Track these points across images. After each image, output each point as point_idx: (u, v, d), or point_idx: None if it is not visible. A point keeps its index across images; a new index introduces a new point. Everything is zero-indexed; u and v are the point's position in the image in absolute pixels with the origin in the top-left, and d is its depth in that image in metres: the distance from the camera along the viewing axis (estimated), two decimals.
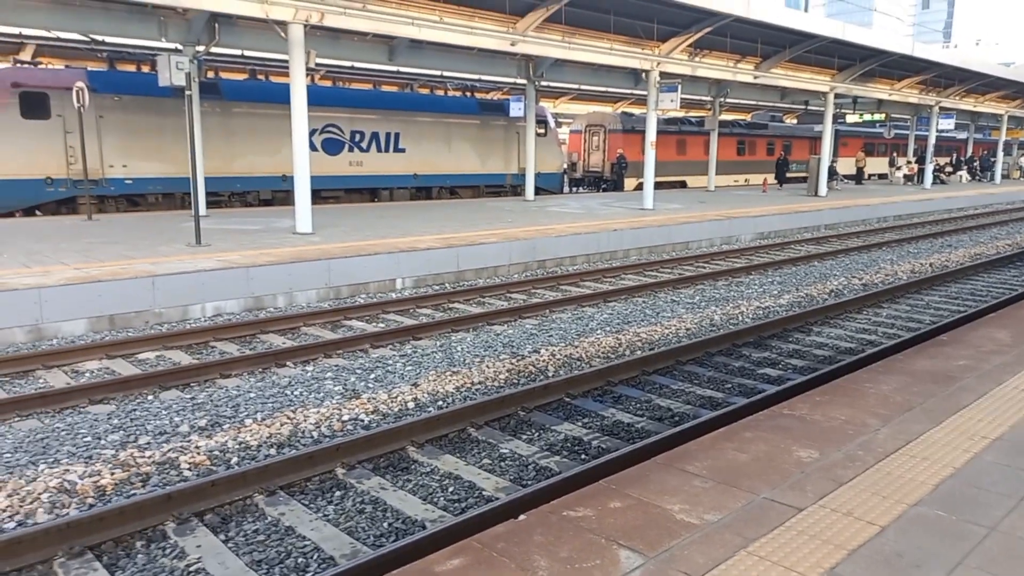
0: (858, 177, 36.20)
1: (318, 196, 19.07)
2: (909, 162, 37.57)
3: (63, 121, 15.70)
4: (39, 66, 17.15)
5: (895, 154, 40.17)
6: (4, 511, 4.52)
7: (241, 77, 20.10)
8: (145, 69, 17.66)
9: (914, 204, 25.89)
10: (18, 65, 16.70)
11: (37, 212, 16.16)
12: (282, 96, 13.47)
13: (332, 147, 20.00)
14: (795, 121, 40.93)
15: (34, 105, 15.57)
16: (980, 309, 9.92)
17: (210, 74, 18.74)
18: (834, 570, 2.82)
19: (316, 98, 18.12)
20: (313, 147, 19.11)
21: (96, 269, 9.44)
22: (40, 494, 4.71)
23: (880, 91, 28.07)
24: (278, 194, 19.23)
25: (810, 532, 3.10)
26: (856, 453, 3.93)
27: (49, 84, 15.76)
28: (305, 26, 12.39)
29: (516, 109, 21.83)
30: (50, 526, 4.11)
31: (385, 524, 4.52)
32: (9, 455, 5.36)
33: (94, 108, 15.43)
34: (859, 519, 3.20)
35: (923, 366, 5.57)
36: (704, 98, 28.22)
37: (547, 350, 8.19)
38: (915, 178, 36.36)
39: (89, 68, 17.46)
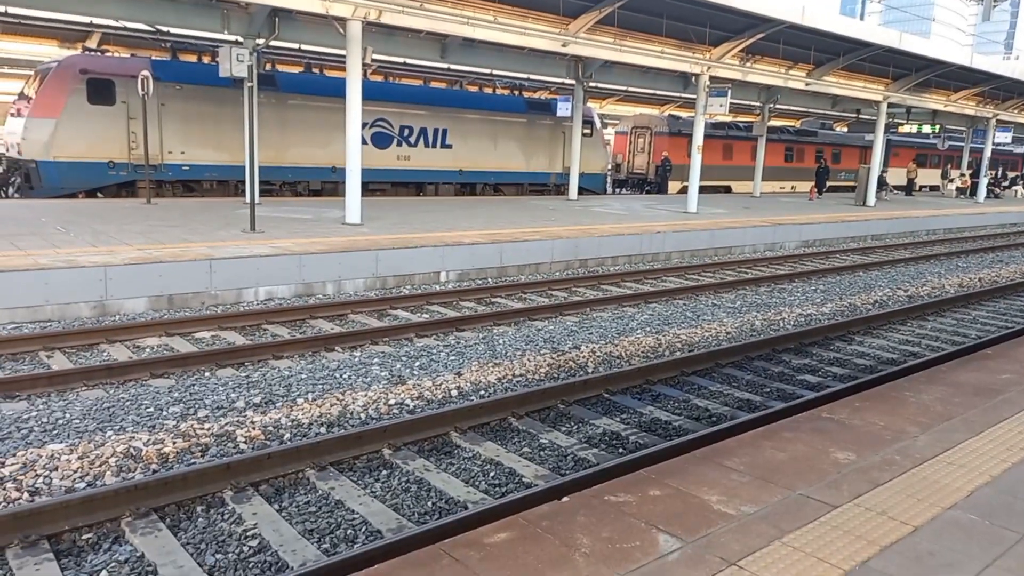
0: (909, 188, 35.49)
1: (366, 188, 19.44)
2: (962, 175, 36.71)
3: (127, 107, 16.29)
4: (105, 54, 17.80)
5: (949, 166, 39.26)
6: (76, 471, 4.83)
7: (296, 70, 20.58)
8: (206, 59, 18.21)
9: (966, 218, 25.34)
10: (86, 53, 17.36)
11: (99, 194, 16.80)
12: (335, 89, 13.84)
13: (381, 141, 20.37)
14: (845, 129, 40.26)
15: (100, 91, 16.19)
16: None
17: (268, 66, 19.25)
18: (866, 563, 2.92)
19: (367, 93, 18.44)
20: (363, 140, 19.49)
21: (157, 251, 9.85)
22: (108, 458, 5.01)
23: (935, 102, 27.51)
24: (327, 185, 19.67)
25: (844, 528, 3.20)
26: (893, 458, 4.00)
27: (115, 71, 16.37)
28: (363, 23, 12.70)
29: (563, 109, 21.95)
30: (119, 487, 4.40)
31: (429, 503, 4.72)
32: (78, 421, 5.70)
33: (156, 96, 15.98)
34: (893, 518, 3.30)
35: (966, 378, 5.58)
36: (753, 103, 27.98)
37: (587, 347, 8.33)
38: (968, 191, 35.52)
39: (153, 57, 18.06)
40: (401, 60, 21.44)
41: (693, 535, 3.10)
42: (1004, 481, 3.75)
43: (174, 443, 5.28)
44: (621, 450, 5.65)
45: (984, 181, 33.11)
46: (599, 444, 5.76)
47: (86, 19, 17.65)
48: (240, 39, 14.84)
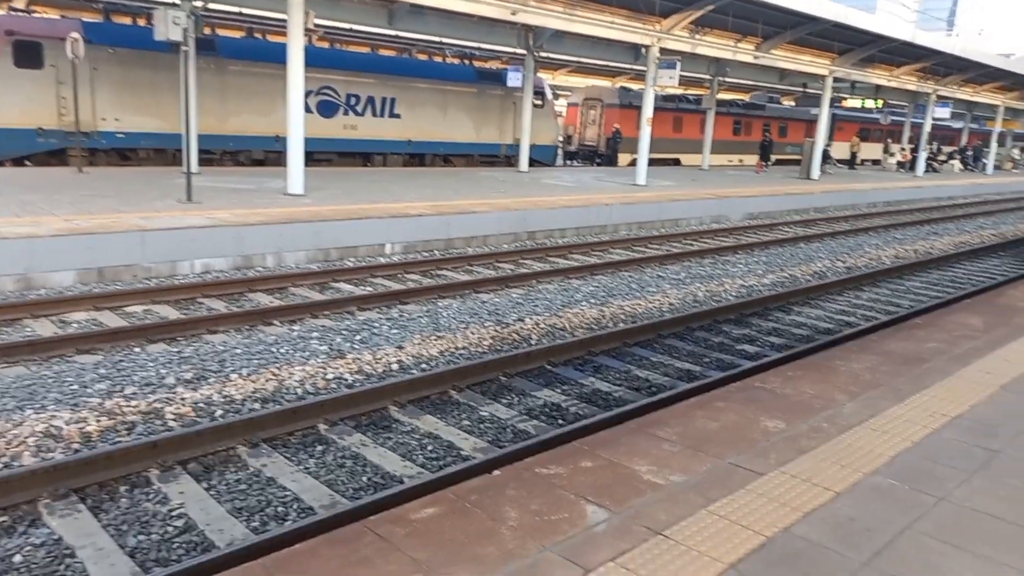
0: (851, 162, 36.28)
1: (311, 158, 18.96)
2: (903, 149, 37.65)
3: (56, 71, 15.51)
4: (33, 15, 16.90)
5: (890, 140, 40.22)
6: None
7: (238, 35, 19.87)
8: (141, 22, 17.43)
9: (905, 191, 26.04)
10: (12, 13, 16.45)
11: (27, 162, 16.04)
12: (279, 56, 13.35)
13: (327, 109, 19.87)
14: (793, 103, 40.85)
15: (27, 54, 15.37)
16: (957, 296, 10.10)
17: (207, 30, 18.51)
18: (789, 530, 2.96)
19: (313, 59, 17.94)
20: (308, 109, 18.95)
21: (86, 221, 9.45)
22: (27, 438, 4.80)
23: (879, 77, 28.04)
24: (270, 154, 19.12)
25: (770, 495, 3.24)
26: (821, 425, 4.07)
27: (43, 33, 15.55)
28: None
29: (514, 79, 21.71)
30: (36, 468, 4.22)
31: (364, 478, 4.65)
32: None
33: (88, 60, 15.24)
34: (817, 485, 3.35)
35: (895, 347, 5.72)
36: (703, 76, 28.11)
37: (531, 319, 8.30)
38: (908, 165, 36.47)
39: (84, 19, 17.21)
40: (348, 26, 20.87)
41: (621, 506, 3.10)
42: (925, 446, 3.85)
43: (98, 421, 5.09)
44: (561, 421, 5.66)
45: (923, 155, 34.01)
46: (539, 416, 5.75)
47: None
48: (177, 1, 14.22)
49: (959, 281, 12.00)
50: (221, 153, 18.43)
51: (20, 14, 16.53)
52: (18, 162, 15.90)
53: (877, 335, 6.11)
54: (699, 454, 3.65)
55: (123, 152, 17.12)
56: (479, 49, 25.10)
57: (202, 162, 16.91)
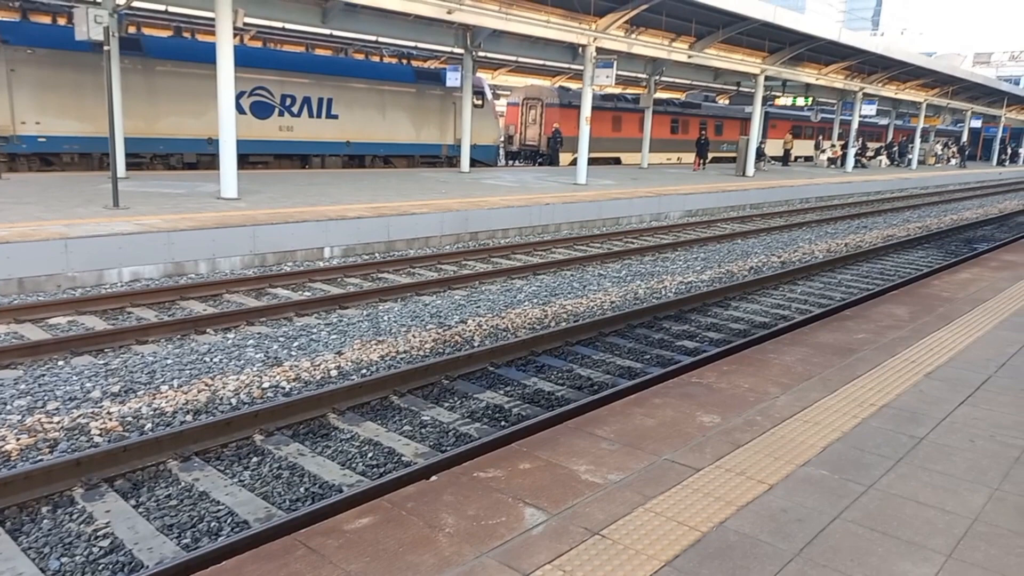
0: (785, 159, 37.31)
1: (246, 161, 18.58)
2: (833, 146, 38.92)
3: None
4: None
5: (821, 137, 41.52)
6: None
7: (166, 34, 19.27)
8: (62, 21, 16.74)
9: (835, 186, 26.89)
10: None
11: None
12: (210, 56, 12.99)
13: (261, 111, 19.44)
14: (727, 102, 41.80)
15: None
16: (885, 288, 10.46)
17: (132, 30, 17.91)
18: (723, 524, 3.00)
19: (245, 59, 17.59)
20: (241, 110, 18.54)
21: (4, 230, 9.01)
22: None
23: (808, 75, 28.89)
24: (203, 157, 18.61)
25: (705, 490, 3.28)
26: (755, 419, 4.15)
27: None
28: None
29: (453, 79, 21.62)
30: None
31: (302, 489, 4.54)
32: None
33: (5, 61, 14.58)
34: (751, 478, 3.41)
35: (826, 339, 5.88)
36: (640, 75, 28.52)
37: (474, 320, 8.27)
38: (838, 161, 37.70)
39: (0, 19, 16.43)
40: (281, 25, 20.46)
41: (559, 507, 3.09)
42: (854, 436, 3.95)
43: (17, 439, 4.85)
44: (504, 423, 5.64)
45: (852, 152, 35.21)
46: (482, 418, 5.72)
47: None
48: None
49: (887, 273, 12.44)
50: (151, 157, 17.85)
51: None
52: None
53: (809, 328, 6.27)
54: (636, 451, 3.67)
55: (46, 157, 16.42)
56: (417, 49, 24.95)
57: (131, 166, 16.36)
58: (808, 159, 42.61)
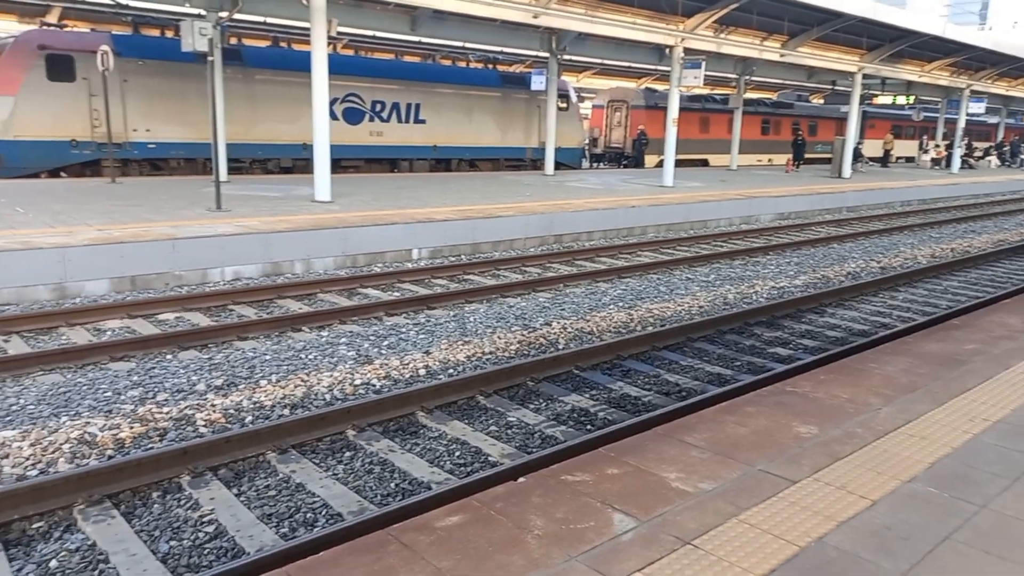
0: (884, 160, 35.69)
1: (338, 165, 19.18)
2: (937, 146, 36.94)
3: (88, 84, 15.85)
4: (65, 29, 17.27)
5: (925, 137, 39.46)
6: (28, 459, 4.70)
7: (264, 44, 20.13)
8: (169, 34, 17.74)
9: (940, 189, 25.53)
10: (45, 28, 16.84)
11: (62, 174, 16.39)
12: (304, 64, 13.49)
13: (353, 116, 20.04)
14: (822, 101, 40.30)
15: (59, 67, 15.73)
16: (996, 296, 9.85)
17: (233, 40, 18.80)
18: (822, 539, 2.89)
19: (337, 67, 18.14)
20: (334, 116, 19.17)
21: (118, 231, 9.62)
22: (62, 444, 4.88)
23: (910, 72, 27.54)
24: (298, 162, 19.34)
25: (802, 503, 3.17)
26: (855, 431, 3.98)
27: (74, 47, 15.89)
28: None
29: (538, 82, 21.69)
30: (71, 474, 4.28)
31: (392, 484, 4.65)
32: (32, 407, 5.55)
33: (119, 72, 15.55)
34: (851, 493, 3.27)
35: (931, 349, 5.58)
36: (729, 75, 27.85)
37: (559, 323, 8.26)
38: (943, 162, 35.78)
39: (114, 32, 17.56)
40: (371, 33, 21.04)
41: (648, 514, 3.05)
42: (964, 452, 3.74)
43: (131, 428, 5.16)
44: (589, 427, 5.61)
45: (958, 152, 33.34)
46: (567, 421, 5.71)
47: None
48: (203, 12, 14.45)
49: (999, 280, 11.71)
50: (250, 161, 18.68)
51: (52, 28, 16.88)
52: (53, 173, 16.25)
53: (913, 337, 5.97)
54: (728, 460, 3.58)
55: (154, 162, 17.42)
56: (502, 53, 25.15)
57: (231, 170, 17.16)
58: (909, 160, 40.62)
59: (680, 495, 3.22)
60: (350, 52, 22.37)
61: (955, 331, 6.14)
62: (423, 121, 21.55)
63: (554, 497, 3.18)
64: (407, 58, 23.76)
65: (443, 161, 22.63)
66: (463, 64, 23.96)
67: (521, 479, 3.37)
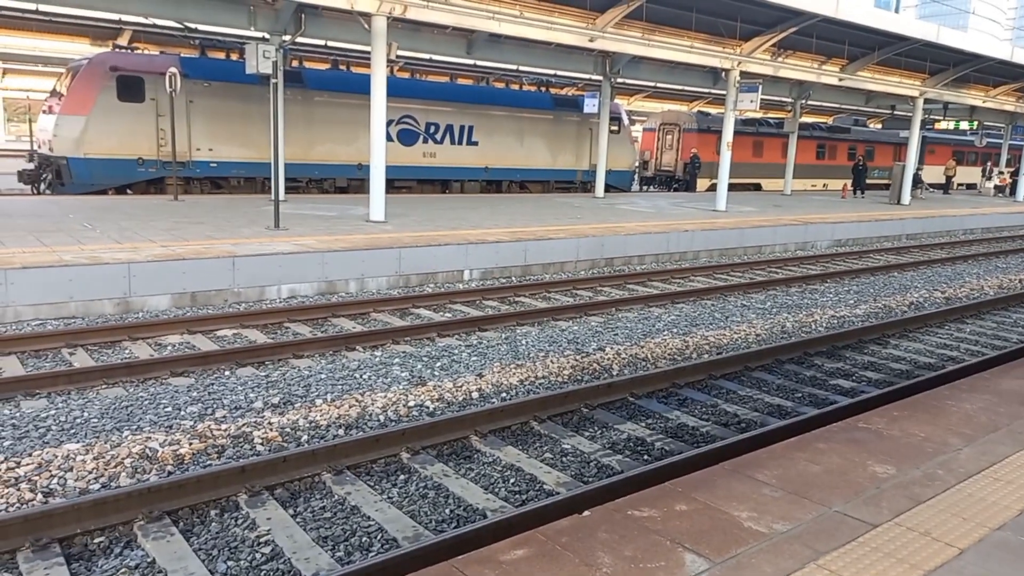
0: (946, 186, 34.66)
1: (391, 186, 19.44)
2: (1001, 173, 35.74)
3: (156, 104, 16.40)
4: (135, 51, 17.95)
5: (989, 164, 38.21)
6: (91, 472, 4.77)
7: (323, 67, 20.59)
8: (233, 57, 18.28)
9: (1004, 217, 24.64)
10: (116, 50, 17.52)
11: (128, 191, 16.94)
12: (361, 86, 13.78)
13: (407, 138, 20.32)
14: (879, 126, 39.43)
15: (130, 88, 16.32)
16: None
17: (294, 63, 19.28)
18: None
19: (394, 89, 18.38)
20: (389, 137, 19.43)
21: (181, 247, 9.85)
22: (124, 459, 4.95)
23: (974, 97, 26.78)
24: (353, 182, 19.66)
25: (884, 549, 3.00)
26: (935, 472, 3.78)
27: (144, 69, 16.49)
28: (388, 18, 12.61)
29: (590, 105, 21.70)
30: (132, 490, 4.32)
31: (447, 510, 4.58)
32: (96, 420, 5.66)
33: (185, 93, 16.06)
34: (937, 540, 3.09)
35: (1010, 386, 5.31)
36: (784, 99, 27.47)
37: (612, 348, 8.14)
38: (1007, 190, 34.58)
39: (182, 54, 18.17)
40: (427, 56, 21.35)
41: (721, 555, 2.92)
42: None
43: (190, 444, 5.21)
44: (646, 457, 5.47)
45: None
46: (623, 451, 5.58)
47: (116, 16, 17.83)
48: (267, 36, 14.85)
49: None
50: (307, 181, 19.04)
51: (123, 51, 17.55)
52: (120, 190, 16.80)
53: (988, 373, 5.69)
54: (802, 500, 3.42)
55: (216, 181, 17.89)
56: (555, 76, 25.26)
57: (289, 190, 17.52)
58: (971, 186, 39.39)
59: (753, 536, 3.08)
60: (406, 75, 22.73)
61: None
62: (475, 143, 21.72)
63: (621, 533, 3.07)
64: (461, 80, 24.04)
65: (494, 182, 22.75)
66: (516, 87, 24.14)
67: (586, 512, 3.27)
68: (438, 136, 20.93)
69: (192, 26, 17.58)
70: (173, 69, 14.58)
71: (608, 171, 22.54)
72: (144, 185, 17.00)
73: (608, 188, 23.15)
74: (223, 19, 14.65)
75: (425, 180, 21.15)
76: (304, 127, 18.48)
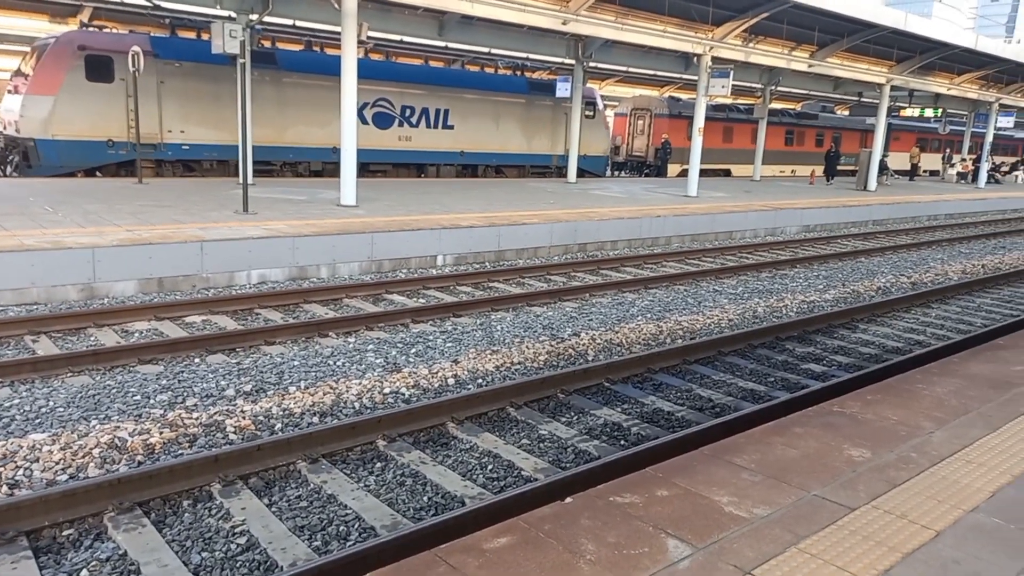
0: (912, 173, 35.27)
1: (366, 169, 19.21)
2: (964, 159, 36.45)
3: (126, 85, 15.92)
4: (104, 30, 17.42)
5: (949, 150, 38.94)
6: (58, 463, 4.65)
7: (297, 48, 20.21)
8: (205, 37, 17.81)
9: (967, 203, 25.15)
10: (84, 28, 16.97)
11: (98, 173, 16.49)
12: (336, 68, 13.49)
13: (382, 121, 20.06)
14: (846, 113, 39.92)
15: (99, 68, 15.83)
16: None
17: (267, 44, 18.88)
18: (888, 572, 2.76)
19: (368, 71, 18.18)
20: (364, 120, 19.21)
21: (147, 232, 9.62)
22: (92, 449, 4.83)
23: (939, 85, 27.21)
24: (328, 166, 19.35)
25: (863, 532, 3.03)
26: (910, 455, 3.83)
27: (114, 48, 15.99)
28: None
29: (563, 90, 21.60)
30: (102, 481, 4.22)
31: (425, 498, 4.55)
32: (62, 409, 5.52)
33: (156, 73, 15.67)
34: (914, 522, 3.13)
35: (979, 370, 5.41)
36: (754, 85, 27.63)
37: (587, 334, 8.15)
38: (969, 176, 35.29)
39: (152, 34, 17.67)
40: (399, 38, 21.06)
41: (704, 540, 2.93)
42: None
43: (161, 433, 5.10)
44: (623, 442, 5.49)
45: (985, 166, 32.86)
46: (600, 436, 5.59)
47: None
48: (233, 15, 14.51)
49: None
50: (281, 164, 18.73)
51: (92, 30, 17.02)
52: (90, 173, 16.35)
53: (957, 356, 5.79)
54: (781, 485, 3.45)
55: (188, 163, 17.50)
56: (528, 60, 25.11)
57: (261, 173, 17.21)
58: (934, 173, 40.12)
59: (734, 520, 3.09)
60: (380, 57, 22.42)
61: (1002, 351, 5.96)
62: (451, 127, 21.53)
63: (604, 520, 3.07)
64: (434, 64, 23.78)
65: (469, 167, 22.59)
66: (491, 70, 23.95)
67: (568, 499, 3.25)
68: (413, 119, 20.70)
69: (158, 3, 17.10)
70: (136, 48, 14.18)
71: (582, 156, 22.52)
72: (115, 168, 16.56)
73: (583, 173, 23.14)
74: None
75: (400, 164, 20.92)
76: (277, 109, 18.14)
